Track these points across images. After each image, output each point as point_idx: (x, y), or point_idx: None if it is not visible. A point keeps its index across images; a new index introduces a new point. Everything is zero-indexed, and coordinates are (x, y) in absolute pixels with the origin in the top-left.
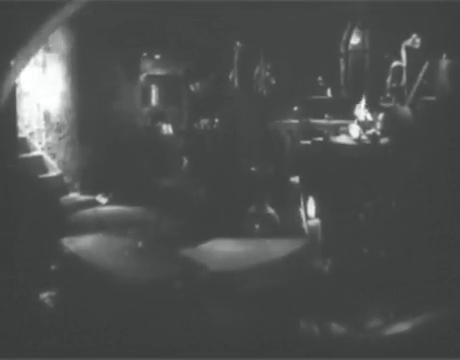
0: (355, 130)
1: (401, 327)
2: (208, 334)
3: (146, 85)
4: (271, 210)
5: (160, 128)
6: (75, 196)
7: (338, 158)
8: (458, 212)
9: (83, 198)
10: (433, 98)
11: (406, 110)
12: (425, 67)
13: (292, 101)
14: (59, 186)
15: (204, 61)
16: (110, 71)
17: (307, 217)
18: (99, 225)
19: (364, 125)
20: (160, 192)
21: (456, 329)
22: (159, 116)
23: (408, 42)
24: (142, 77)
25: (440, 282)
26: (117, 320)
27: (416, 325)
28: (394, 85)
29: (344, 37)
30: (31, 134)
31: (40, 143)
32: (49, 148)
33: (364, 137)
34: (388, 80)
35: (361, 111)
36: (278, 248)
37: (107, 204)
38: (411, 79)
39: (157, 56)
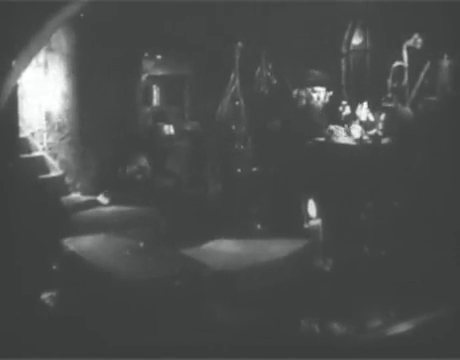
0: (357, 130)
1: (401, 327)
2: (209, 334)
3: (147, 85)
4: (272, 210)
5: (161, 128)
6: (76, 196)
7: (340, 158)
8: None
9: (84, 198)
10: (435, 98)
11: (407, 110)
12: (427, 67)
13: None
14: (60, 186)
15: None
16: (112, 71)
17: (308, 217)
18: (100, 225)
19: (366, 125)
20: (161, 192)
21: (456, 329)
22: (160, 116)
23: (410, 42)
24: (144, 77)
25: (440, 282)
26: (118, 320)
27: (416, 325)
28: (395, 85)
29: (345, 37)
30: (32, 134)
31: (41, 143)
32: (50, 148)
33: (366, 137)
34: (389, 80)
35: (363, 111)
36: (279, 248)
37: (108, 204)
38: (413, 79)
39: (159, 56)
